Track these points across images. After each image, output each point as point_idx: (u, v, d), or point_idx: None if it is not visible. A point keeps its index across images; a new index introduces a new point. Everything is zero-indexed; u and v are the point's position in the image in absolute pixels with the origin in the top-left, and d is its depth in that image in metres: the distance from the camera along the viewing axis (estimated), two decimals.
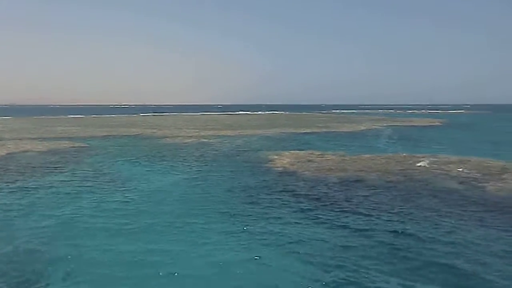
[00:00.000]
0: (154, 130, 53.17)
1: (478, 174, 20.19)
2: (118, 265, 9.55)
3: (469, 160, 24.57)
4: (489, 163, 23.51)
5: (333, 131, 51.66)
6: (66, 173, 21.58)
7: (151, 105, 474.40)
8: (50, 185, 18.57)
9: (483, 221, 12.67)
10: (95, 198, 16.09)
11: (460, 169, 21.55)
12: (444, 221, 12.69)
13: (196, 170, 22.53)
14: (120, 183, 19.21)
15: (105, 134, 47.51)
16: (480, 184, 18.02)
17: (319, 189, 17.39)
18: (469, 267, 9.21)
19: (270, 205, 14.92)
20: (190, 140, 39.87)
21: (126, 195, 16.65)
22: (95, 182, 19.23)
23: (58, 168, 23.13)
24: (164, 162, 25.60)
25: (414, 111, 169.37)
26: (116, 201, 15.64)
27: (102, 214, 13.79)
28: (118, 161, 26.25)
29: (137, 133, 48.79)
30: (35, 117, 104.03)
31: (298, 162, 24.74)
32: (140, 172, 22.25)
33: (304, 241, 11.06)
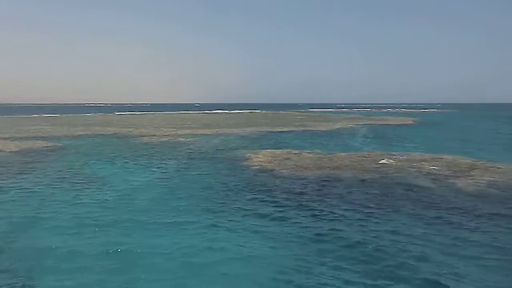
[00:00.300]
0: (131, 129, 52.55)
1: (449, 171, 20.88)
2: (88, 266, 9.44)
3: (441, 158, 25.36)
4: (459, 160, 24.33)
5: (310, 130, 52.22)
6: (39, 174, 21.14)
7: (128, 103, 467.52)
8: (21, 185, 18.15)
9: (452, 217, 13.14)
10: (68, 198, 15.81)
11: (432, 167, 22.22)
12: (416, 219, 13.10)
13: (173, 169, 22.46)
14: (95, 183, 18.94)
15: (80, 133, 46.63)
16: (450, 181, 18.64)
17: (295, 187, 17.64)
18: (438, 263, 9.58)
19: (246, 203, 15.02)
20: (167, 139, 39.61)
21: (101, 195, 16.42)
22: (69, 182, 18.90)
23: (31, 168, 22.62)
24: (140, 161, 25.39)
25: (389, 109, 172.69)
26: (91, 201, 15.41)
27: (75, 214, 13.57)
28: (93, 160, 25.87)
29: (113, 132, 48.09)
30: (6, 116, 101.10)
31: (275, 160, 24.99)
32: (115, 171, 22.01)
33: (279, 239, 11.19)
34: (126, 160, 25.89)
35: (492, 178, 18.84)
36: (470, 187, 17.40)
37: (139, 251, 10.29)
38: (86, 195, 16.41)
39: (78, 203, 15.11)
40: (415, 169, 21.49)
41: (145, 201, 15.41)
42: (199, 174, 21.01)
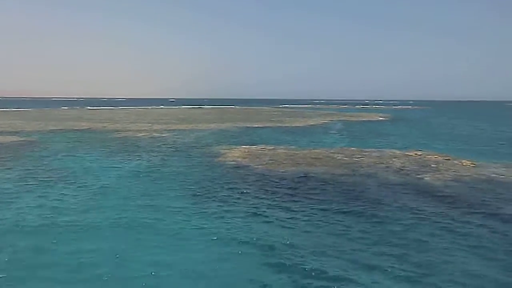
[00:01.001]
0: (105, 124, 51.73)
1: (418, 167, 21.59)
2: (57, 265, 9.33)
3: (411, 154, 26.17)
4: (428, 156, 25.18)
5: (285, 126, 52.68)
6: (10, 170, 20.61)
7: (103, 98, 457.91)
8: None
9: (419, 210, 13.66)
10: (40, 194, 15.52)
11: (402, 163, 22.91)
12: (387, 213, 13.56)
13: (147, 165, 22.33)
14: (67, 179, 18.58)
15: (52, 128, 45.55)
16: (419, 176, 19.31)
17: (269, 183, 17.87)
18: (398, 257, 10.02)
19: (221, 199, 15.13)
20: (142, 135, 39.24)
21: (74, 191, 16.17)
22: (41, 178, 18.48)
23: (1, 164, 22.09)
24: (115, 157, 25.09)
25: (363, 106, 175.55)
26: (64, 197, 15.16)
27: (47, 210, 13.37)
28: (66, 156, 25.39)
29: (87, 127, 47.22)
30: None
31: (251, 156, 25.21)
32: (89, 167, 21.68)
33: (253, 235, 11.34)
34: (100, 156, 25.55)
35: (457, 174, 19.63)
36: (437, 182, 18.09)
37: (107, 248, 10.27)
38: (57, 191, 16.13)
39: (48, 200, 14.85)
40: (386, 165, 22.10)
41: (118, 198, 15.24)
42: (174, 170, 20.96)
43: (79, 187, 16.98)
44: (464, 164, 22.50)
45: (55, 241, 10.68)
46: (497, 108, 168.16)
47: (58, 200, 14.82)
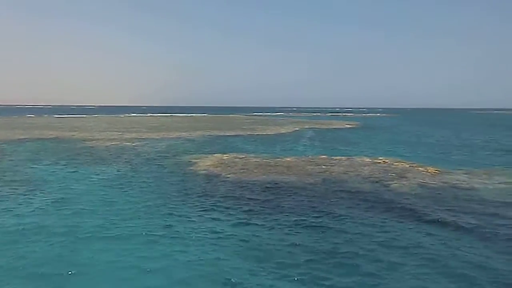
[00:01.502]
0: (74, 133, 50.51)
1: (385, 174, 22.16)
2: (17, 278, 9.10)
3: (379, 162, 26.85)
4: (396, 163, 25.89)
5: (257, 134, 52.88)
6: None
7: (72, 105, 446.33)
8: None
9: (386, 217, 14.04)
10: (1, 206, 15.05)
11: (371, 170, 23.47)
12: (354, 221, 13.85)
13: (117, 175, 21.94)
14: (31, 190, 17.90)
15: (19, 137, 43.94)
16: (386, 183, 19.82)
17: (240, 192, 17.89)
18: (371, 265, 10.27)
19: (190, 208, 14.99)
20: (111, 143, 38.52)
21: (38, 202, 15.63)
22: (2, 189, 17.95)
23: None
24: (83, 167, 24.47)
25: (334, 114, 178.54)
26: (26, 209, 14.61)
27: (7, 222, 12.97)
28: (31, 166, 24.55)
29: (55, 136, 45.96)
30: None
31: (222, 164, 25.20)
32: (55, 178, 21.01)
33: (216, 244, 11.36)
34: (67, 166, 24.88)
35: (422, 181, 20.28)
36: (403, 189, 18.62)
37: (71, 261, 10.01)
38: (21, 203, 15.58)
39: (8, 211, 14.37)
40: (355, 173, 22.56)
41: (83, 210, 14.81)
42: (144, 180, 20.67)
43: (39, 199, 16.36)
44: (429, 171, 23.25)
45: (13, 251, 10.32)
46: (461, 116, 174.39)
47: (20, 210, 14.28)
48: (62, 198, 16.56)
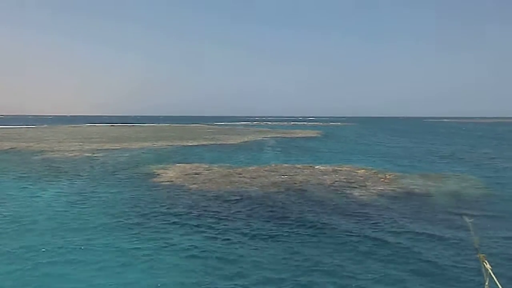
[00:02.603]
0: (31, 144, 48.49)
1: (347, 182, 22.76)
2: None
3: (340, 169, 27.53)
4: (356, 171, 26.64)
5: (220, 144, 52.79)
6: None
7: (29, 115, 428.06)
8: None
9: (347, 224, 14.46)
10: None
11: (333, 178, 24.03)
12: (318, 230, 14.17)
13: (76, 188, 21.23)
14: None
15: None
16: (347, 191, 20.35)
17: (203, 203, 17.78)
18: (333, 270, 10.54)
19: (151, 222, 14.73)
20: (71, 155, 37.29)
21: None
22: None
23: None
24: (40, 180, 23.49)
25: (296, 123, 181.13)
26: None
27: None
28: None
29: (10, 147, 44.04)
30: None
31: (185, 175, 25.00)
32: (9, 191, 20.15)
33: (181, 257, 11.27)
34: (25, 179, 23.84)
35: (381, 188, 21.01)
36: (364, 196, 19.21)
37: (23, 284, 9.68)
38: None
39: None
40: (317, 182, 23.02)
41: (37, 229, 14.22)
42: (105, 192, 20.14)
43: None
44: (387, 177, 24.12)
45: None
46: (416, 124, 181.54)
47: None
48: (15, 215, 15.83)
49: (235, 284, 9.50)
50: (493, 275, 3.56)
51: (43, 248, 11.83)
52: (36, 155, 36.97)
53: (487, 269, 3.62)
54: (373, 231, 13.64)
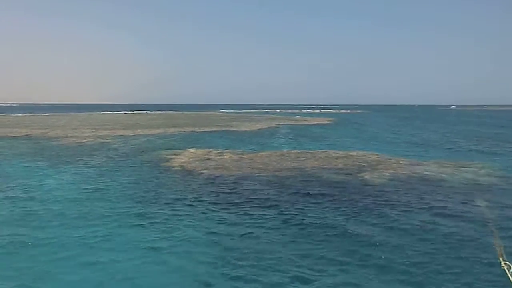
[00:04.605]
0: (46, 131, 49.21)
1: (359, 166, 22.56)
2: None
3: (353, 155, 27.30)
4: (368, 156, 26.40)
5: (233, 130, 52.81)
6: None
7: (44, 104, 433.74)
8: None
9: (361, 207, 14.33)
10: None
11: (345, 162, 23.85)
12: (333, 212, 14.09)
13: (90, 172, 21.48)
14: (6, 187, 17.53)
15: None
16: (360, 175, 20.18)
17: (215, 188, 17.79)
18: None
19: (162, 205, 14.84)
20: (85, 141, 37.75)
21: (14, 199, 15.32)
22: None
23: None
24: (56, 165, 23.91)
25: (309, 110, 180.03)
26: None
27: None
28: (3, 165, 23.91)
29: (26, 134, 44.74)
30: None
31: (197, 161, 25.06)
32: (29, 175, 20.47)
33: (192, 241, 11.34)
34: (42, 164, 24.21)
35: (394, 172, 20.77)
36: (377, 179, 19.03)
37: (40, 269, 9.81)
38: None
39: None
40: (329, 166, 22.87)
41: (65, 207, 14.49)
42: (118, 177, 20.30)
43: (19, 195, 15.96)
44: (400, 162, 23.82)
45: None
46: (430, 112, 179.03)
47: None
48: (37, 196, 16.15)
49: (247, 271, 9.51)
50: None
51: (59, 235, 12.03)
52: (52, 141, 37.46)
53: (510, 276, 3.35)
54: (381, 212, 13.52)
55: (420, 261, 9.56)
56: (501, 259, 3.50)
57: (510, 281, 3.32)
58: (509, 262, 3.43)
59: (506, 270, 3.39)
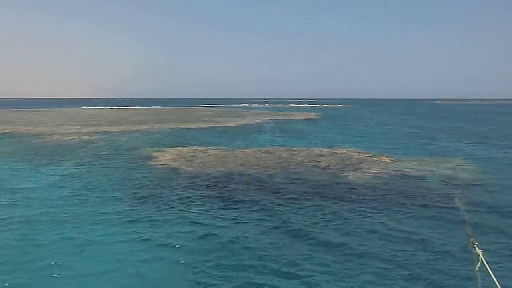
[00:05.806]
0: (29, 127, 48.50)
1: (342, 165, 22.85)
2: None
3: (336, 152, 27.62)
4: (352, 154, 26.73)
5: (219, 126, 52.80)
6: None
7: (26, 98, 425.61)
8: None
9: (340, 207, 14.58)
10: None
11: (329, 160, 24.13)
12: (314, 212, 14.30)
13: (73, 170, 21.33)
14: None
15: None
16: (343, 174, 20.46)
17: (198, 186, 17.87)
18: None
19: (146, 204, 14.89)
20: (69, 138, 37.36)
21: None
22: None
23: None
24: (39, 163, 23.61)
25: (298, 105, 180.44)
26: None
27: None
28: None
29: (8, 131, 44.07)
30: None
31: (182, 158, 25.09)
32: (9, 174, 20.34)
33: (179, 240, 11.48)
34: (23, 163, 23.98)
35: (376, 171, 21.10)
36: (359, 179, 19.32)
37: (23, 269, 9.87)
38: None
39: None
40: (313, 164, 23.12)
41: (46, 207, 14.42)
42: (101, 175, 20.21)
43: None
44: (383, 160, 24.21)
45: None
46: (414, 106, 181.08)
47: None
48: (16, 196, 16.00)
49: (232, 264, 9.67)
50: (484, 260, 3.57)
51: (41, 230, 12.01)
52: (35, 139, 37.01)
53: (478, 254, 3.63)
54: (361, 212, 13.80)
55: (397, 260, 9.85)
56: (471, 240, 3.76)
57: (475, 256, 3.61)
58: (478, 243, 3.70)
59: (476, 248, 3.66)
